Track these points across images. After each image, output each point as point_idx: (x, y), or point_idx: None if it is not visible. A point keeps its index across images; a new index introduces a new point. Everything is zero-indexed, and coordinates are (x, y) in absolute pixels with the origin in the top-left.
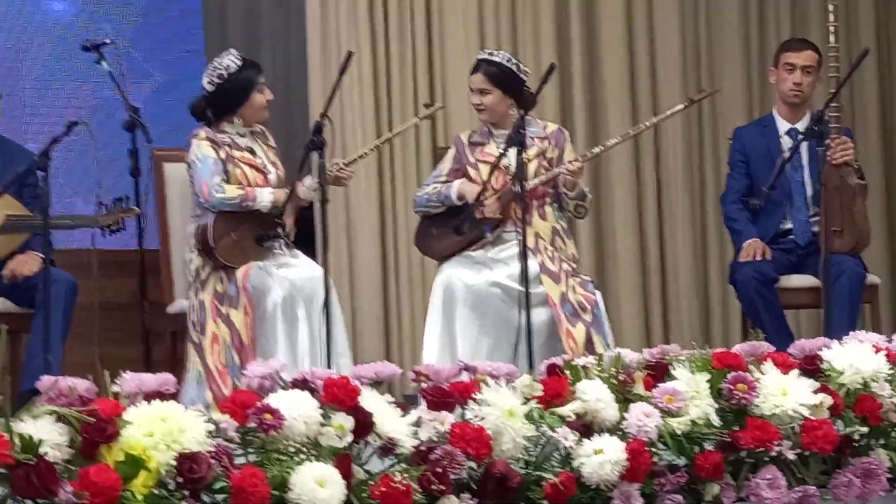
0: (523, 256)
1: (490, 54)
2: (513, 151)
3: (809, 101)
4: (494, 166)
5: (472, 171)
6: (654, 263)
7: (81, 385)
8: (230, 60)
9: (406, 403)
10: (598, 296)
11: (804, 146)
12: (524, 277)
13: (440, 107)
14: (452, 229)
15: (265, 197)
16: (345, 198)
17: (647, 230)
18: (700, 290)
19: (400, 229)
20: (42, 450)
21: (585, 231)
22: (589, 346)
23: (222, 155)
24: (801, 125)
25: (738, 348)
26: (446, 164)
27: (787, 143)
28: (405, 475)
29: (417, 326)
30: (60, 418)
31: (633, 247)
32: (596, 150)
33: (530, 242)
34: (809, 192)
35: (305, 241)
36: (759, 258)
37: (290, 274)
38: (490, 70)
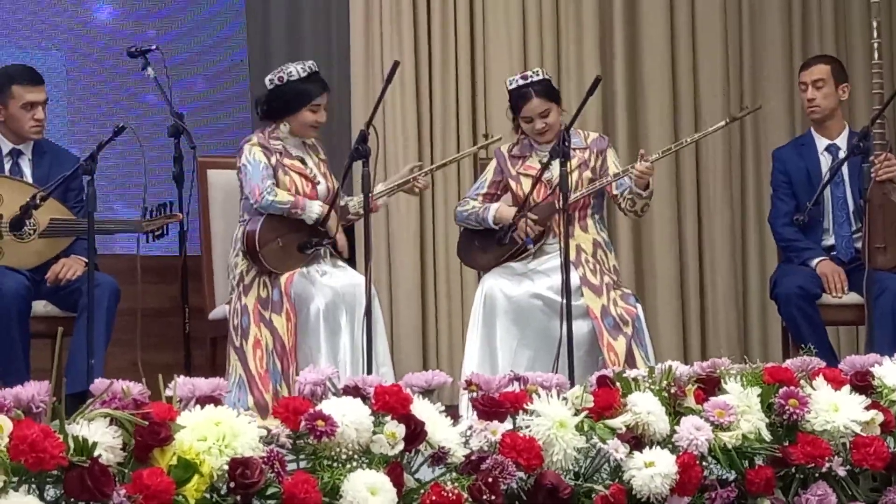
0: (565, 268)
1: (525, 77)
2: (555, 164)
3: (842, 114)
4: (537, 179)
5: (513, 184)
6: (693, 277)
7: (135, 388)
8: (297, 69)
9: (456, 412)
10: (639, 309)
11: (845, 163)
12: (565, 289)
13: (499, 138)
14: (495, 241)
15: (314, 209)
16: (386, 209)
17: (686, 244)
18: (738, 304)
19: (439, 239)
20: (96, 452)
21: (625, 244)
22: (629, 360)
23: (273, 161)
24: (839, 141)
25: (788, 363)
26: (488, 175)
27: (826, 160)
28: (456, 484)
29: (455, 336)
30: (114, 421)
31: (673, 260)
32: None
33: (572, 255)
34: (851, 207)
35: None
36: (843, 292)
37: (332, 282)
38: (541, 90)
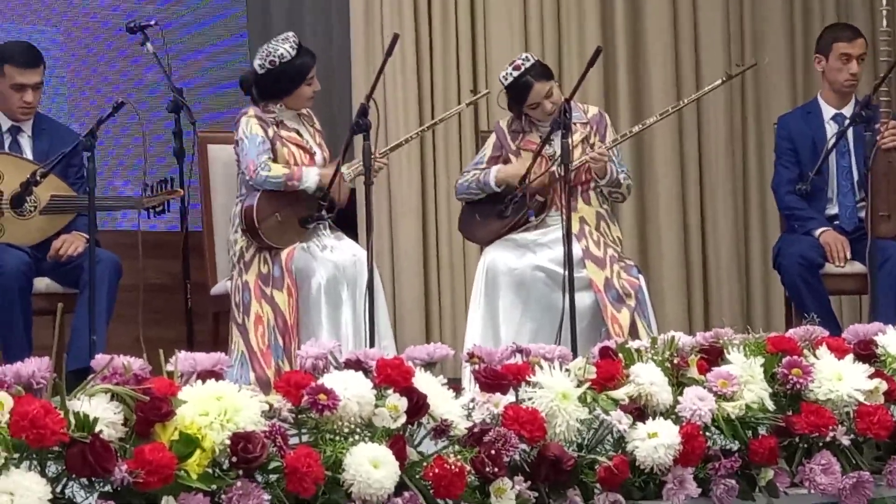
0: (567, 240)
1: (518, 68)
2: (556, 138)
3: None
4: (537, 154)
5: (513, 159)
6: (696, 247)
7: (136, 364)
8: (286, 49)
9: (458, 385)
10: (642, 280)
11: (850, 131)
12: (568, 261)
13: (486, 93)
14: (496, 214)
15: (311, 177)
16: (387, 181)
17: (689, 214)
18: (742, 274)
19: (441, 213)
20: (97, 428)
21: (628, 214)
22: (633, 331)
23: (270, 134)
24: (846, 110)
25: (791, 333)
26: (487, 150)
27: (832, 128)
28: (459, 457)
29: (458, 309)
30: (115, 397)
31: (676, 230)
32: (635, 128)
33: (575, 227)
34: (856, 177)
35: (348, 224)
36: (845, 261)
37: (333, 256)
38: (538, 73)
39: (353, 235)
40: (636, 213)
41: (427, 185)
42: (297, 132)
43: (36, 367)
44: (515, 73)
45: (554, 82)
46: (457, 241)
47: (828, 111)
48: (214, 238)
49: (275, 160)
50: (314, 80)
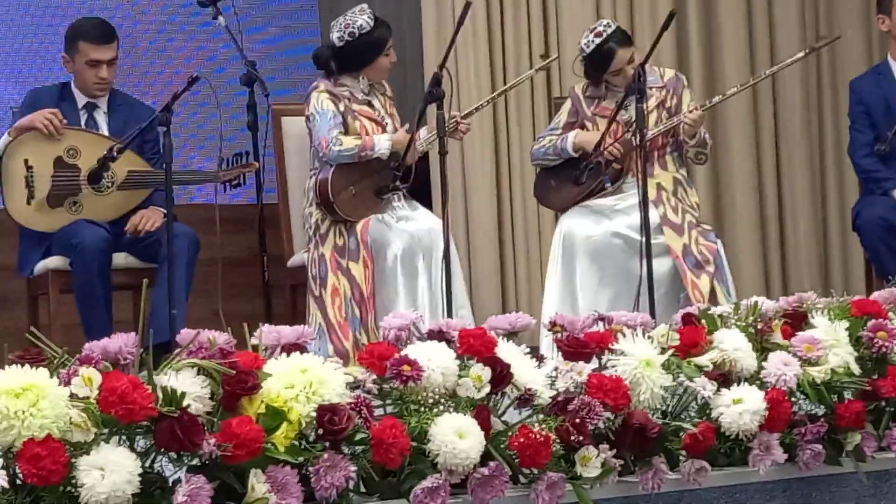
0: (643, 206)
1: (599, 35)
2: (632, 102)
3: None
4: (612, 120)
5: (589, 125)
6: (773, 211)
7: (220, 338)
8: (364, 20)
9: (541, 355)
10: (720, 245)
11: None
12: (645, 227)
13: (555, 58)
14: (571, 180)
15: (383, 144)
16: (461, 150)
17: (765, 178)
18: (819, 237)
19: (515, 181)
20: (185, 402)
21: (702, 179)
22: (712, 297)
23: (341, 108)
24: None
25: (876, 295)
26: (562, 116)
27: None
28: (543, 426)
29: (534, 278)
30: (201, 371)
31: (752, 194)
32: (715, 99)
33: (652, 193)
34: None
35: (422, 194)
36: None
37: (409, 227)
38: (619, 39)
39: (428, 205)
40: (710, 177)
41: (501, 153)
42: (369, 103)
43: (122, 342)
44: (597, 40)
45: (634, 48)
46: (532, 210)
47: None
48: (290, 211)
49: (346, 133)
50: (391, 51)
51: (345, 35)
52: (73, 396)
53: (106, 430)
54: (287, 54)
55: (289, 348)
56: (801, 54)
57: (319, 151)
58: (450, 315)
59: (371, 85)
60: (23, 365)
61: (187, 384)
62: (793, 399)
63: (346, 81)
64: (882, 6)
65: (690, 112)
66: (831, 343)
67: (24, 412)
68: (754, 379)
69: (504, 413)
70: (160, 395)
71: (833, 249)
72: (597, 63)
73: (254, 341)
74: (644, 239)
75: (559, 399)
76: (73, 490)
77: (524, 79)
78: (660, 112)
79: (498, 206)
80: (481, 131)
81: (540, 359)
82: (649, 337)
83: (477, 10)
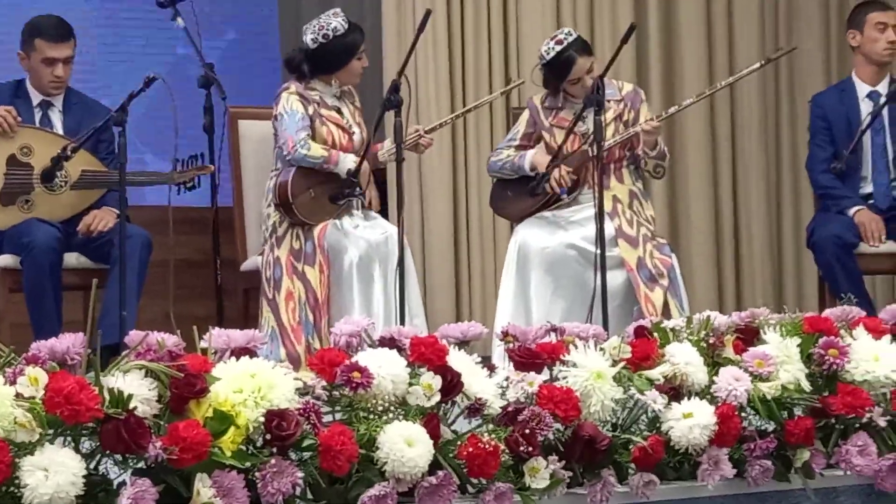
0: (599, 218)
1: (560, 42)
2: (589, 115)
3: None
4: (570, 131)
5: (546, 136)
6: (728, 225)
7: (169, 340)
8: (339, 22)
9: (492, 364)
10: (674, 259)
11: (885, 110)
12: (600, 239)
13: (521, 82)
14: (528, 191)
15: (347, 164)
16: (418, 158)
17: (721, 192)
18: (774, 252)
19: (472, 190)
20: (132, 404)
21: (659, 193)
22: (665, 311)
23: (310, 111)
24: (881, 87)
25: (828, 313)
26: (520, 127)
27: (866, 106)
28: (493, 436)
29: (488, 288)
30: (149, 373)
31: (707, 209)
32: (672, 109)
33: (608, 206)
34: (891, 155)
35: (379, 202)
36: (880, 241)
37: (365, 234)
38: (580, 47)
39: (385, 213)
40: (667, 191)
41: (458, 162)
42: (338, 110)
43: (70, 342)
44: (558, 48)
45: (594, 58)
46: (487, 219)
47: (862, 89)
48: (244, 214)
49: (313, 139)
50: (364, 55)
51: (318, 37)
52: (18, 396)
53: (51, 431)
54: (245, 57)
55: (238, 352)
56: (756, 65)
57: (284, 150)
58: (403, 323)
59: (342, 92)
60: None
61: (135, 386)
62: (743, 414)
63: (316, 86)
64: (854, 22)
65: (648, 122)
66: (782, 359)
67: None
68: (705, 393)
69: (454, 422)
70: (107, 397)
71: (787, 265)
72: (556, 71)
73: (203, 344)
74: (599, 251)
75: (509, 409)
76: (16, 490)
77: (486, 101)
78: (617, 125)
79: (454, 215)
80: (440, 140)
81: (491, 368)
82: (601, 349)
83: (437, 18)
